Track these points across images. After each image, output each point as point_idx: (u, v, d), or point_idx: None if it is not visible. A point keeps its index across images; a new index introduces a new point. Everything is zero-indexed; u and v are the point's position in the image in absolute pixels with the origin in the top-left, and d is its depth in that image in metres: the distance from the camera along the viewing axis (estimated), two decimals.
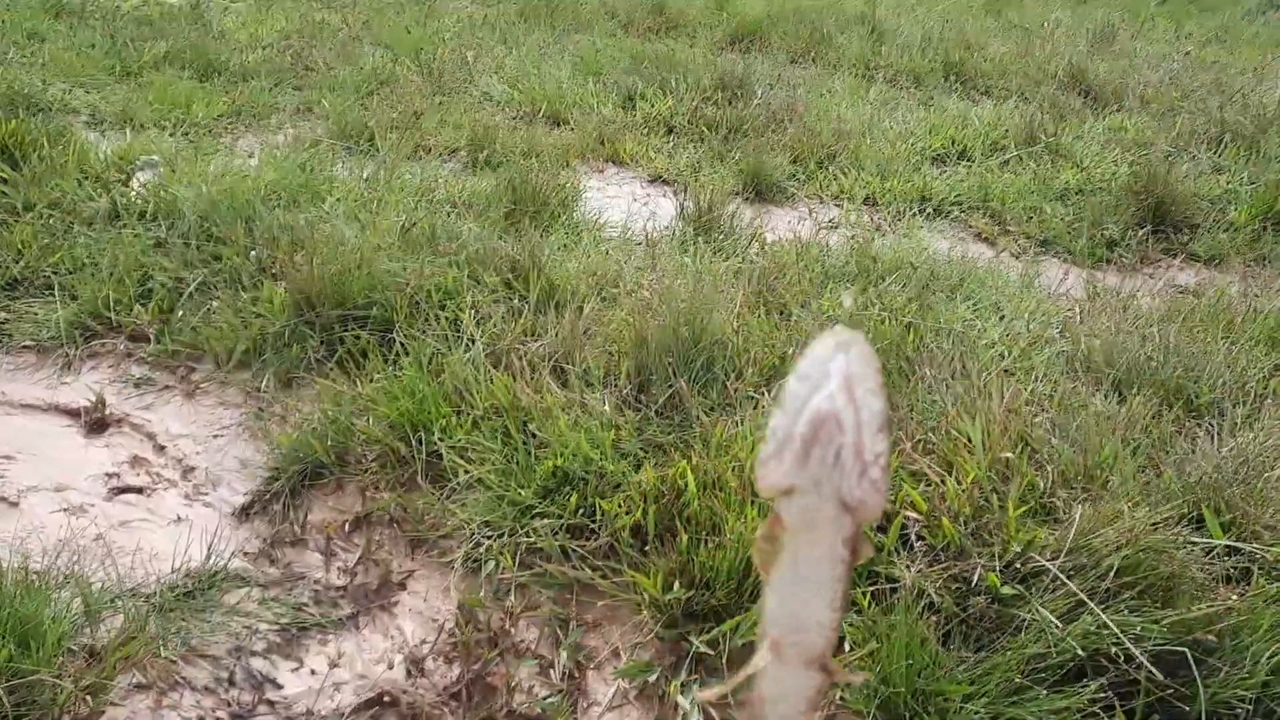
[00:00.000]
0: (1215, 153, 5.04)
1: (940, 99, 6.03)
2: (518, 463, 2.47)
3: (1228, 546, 2.13)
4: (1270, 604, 1.93)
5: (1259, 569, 2.08)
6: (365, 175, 3.99)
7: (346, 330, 2.96)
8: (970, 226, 4.44)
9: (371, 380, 2.75)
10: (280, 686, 2.06)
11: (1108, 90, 6.11)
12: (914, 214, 4.40)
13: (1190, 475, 2.37)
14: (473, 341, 2.85)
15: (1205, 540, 2.13)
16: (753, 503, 2.32)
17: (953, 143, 5.25)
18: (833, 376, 0.64)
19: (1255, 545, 2.12)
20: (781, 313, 3.19)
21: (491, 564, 2.32)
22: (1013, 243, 4.29)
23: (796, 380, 0.66)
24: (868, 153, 4.98)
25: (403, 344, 2.87)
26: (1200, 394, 2.81)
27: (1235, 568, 2.11)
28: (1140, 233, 4.22)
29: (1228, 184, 4.64)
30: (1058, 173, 4.84)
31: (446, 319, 2.95)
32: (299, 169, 3.84)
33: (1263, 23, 9.12)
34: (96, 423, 2.70)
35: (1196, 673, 1.81)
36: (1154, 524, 2.13)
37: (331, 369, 2.85)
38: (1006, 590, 2.06)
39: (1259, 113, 5.30)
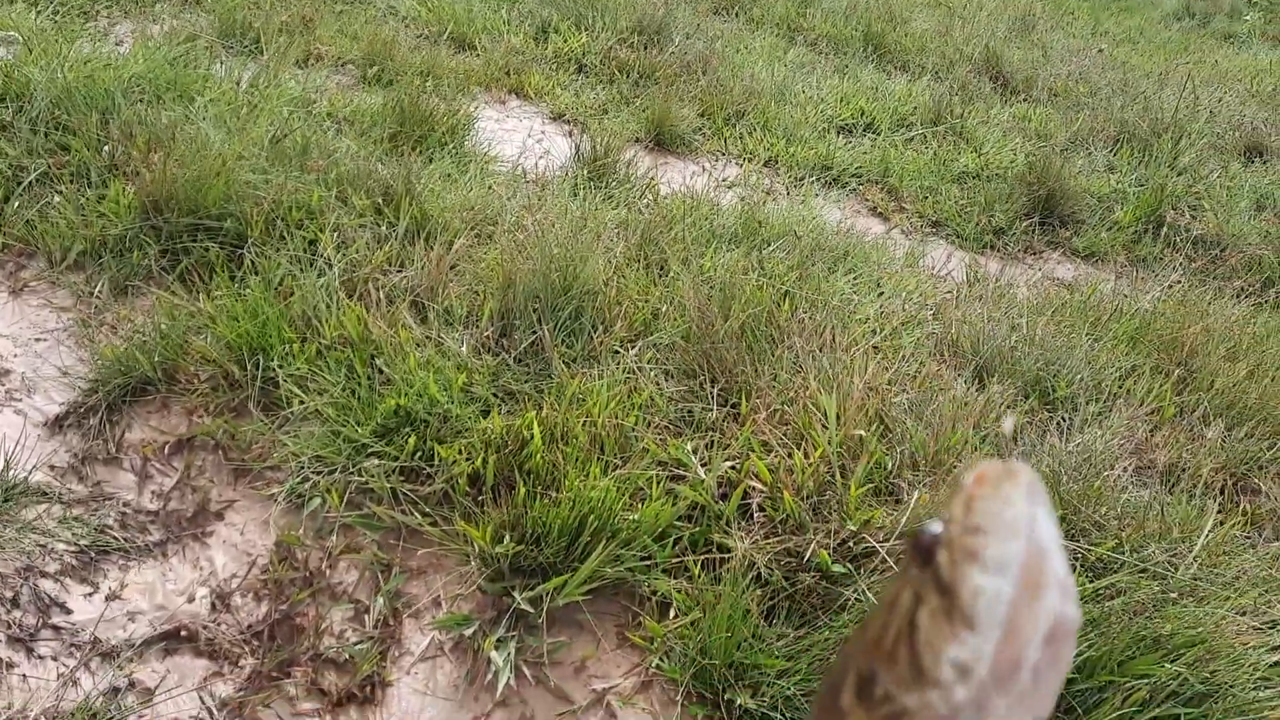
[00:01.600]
0: (1111, 151, 5.11)
1: (856, 68, 5.98)
2: (359, 398, 2.36)
3: None
4: (1085, 602, 1.95)
5: (1081, 567, 2.10)
6: (243, 78, 3.76)
7: (195, 241, 2.78)
8: (866, 199, 4.41)
9: (213, 297, 2.59)
10: (69, 611, 1.93)
11: (1019, 78, 6.14)
12: (813, 181, 4.36)
13: (1033, 467, 2.38)
14: (329, 266, 2.71)
15: None
16: (599, 459, 2.26)
17: (862, 114, 5.22)
18: (1053, 552, 0.44)
19: (1081, 544, 2.14)
20: (661, 269, 3.11)
21: (317, 501, 2.21)
22: (905, 220, 4.28)
23: (985, 572, 0.44)
24: (776, 114, 4.91)
25: (253, 262, 2.71)
26: (1057, 388, 2.84)
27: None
28: (1027, 223, 4.25)
29: (1117, 183, 4.71)
30: (958, 155, 4.85)
31: (304, 239, 2.80)
32: (169, 63, 3.59)
33: (1176, 29, 9.30)
34: None
35: None
36: None
37: (173, 281, 2.67)
38: (837, 568, 2.04)
39: (1157, 117, 5.39)
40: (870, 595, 1.94)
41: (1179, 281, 3.73)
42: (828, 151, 4.63)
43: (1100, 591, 2.03)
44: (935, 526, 0.46)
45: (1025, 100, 5.88)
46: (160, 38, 3.96)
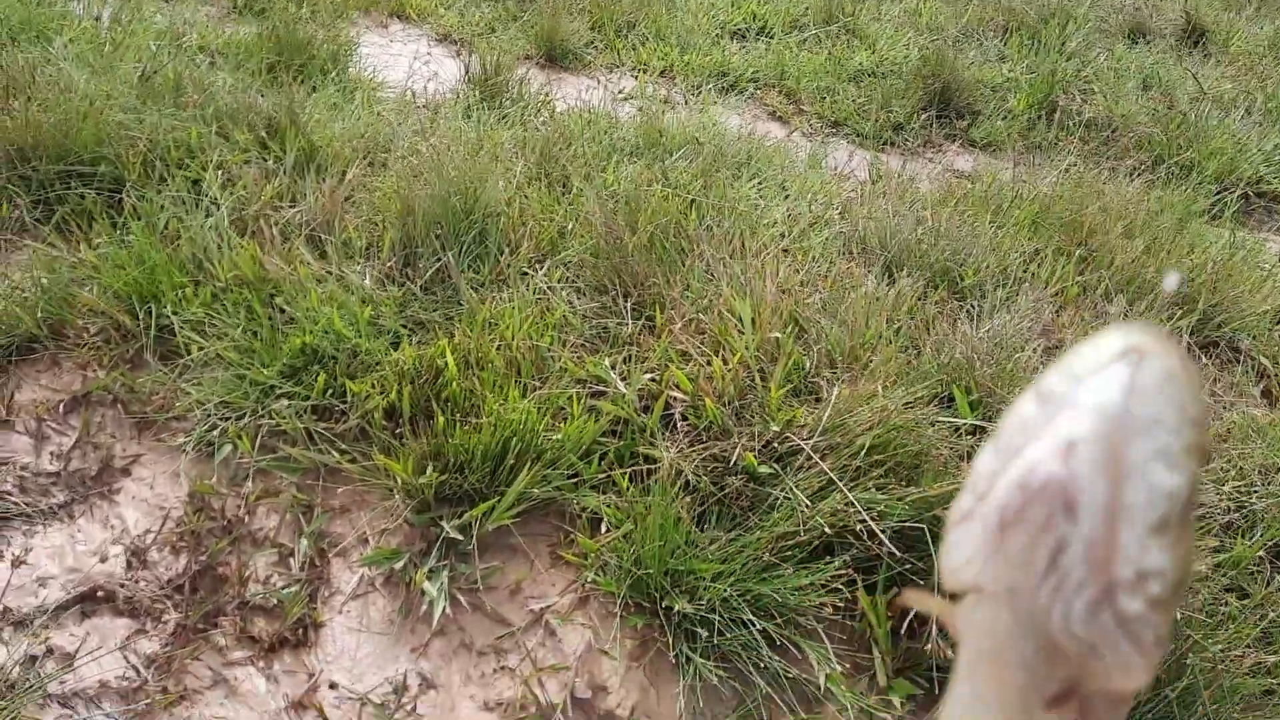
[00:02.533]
0: (1001, 41, 5.15)
1: None
2: (262, 339, 2.27)
3: (974, 425, 2.18)
4: None
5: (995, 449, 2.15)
6: (104, 15, 3.53)
7: (69, 188, 2.62)
8: (765, 104, 4.38)
9: (95, 246, 2.45)
10: None
11: None
12: (710, 89, 4.30)
13: (947, 355, 2.42)
14: (216, 205, 2.58)
15: (953, 419, 2.18)
16: (517, 382, 2.22)
17: (754, 18, 5.16)
18: (1085, 410, 0.39)
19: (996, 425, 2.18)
20: (564, 186, 3.05)
21: (228, 447, 2.13)
22: (805, 122, 4.27)
23: (1035, 399, 0.41)
24: (668, 23, 4.82)
25: (134, 206, 2.57)
26: (965, 276, 2.88)
27: (980, 445, 2.17)
28: (925, 117, 4.27)
29: (1009, 72, 4.75)
30: (853, 54, 4.83)
31: (186, 179, 2.66)
32: (20, 2, 3.35)
33: None
34: None
35: (932, 548, 1.85)
36: (907, 403, 2.15)
37: (49, 232, 2.52)
38: (763, 469, 2.05)
39: (1044, 3, 5.43)
40: (798, 492, 1.96)
41: (1074, 165, 3.80)
42: (723, 58, 4.57)
43: None
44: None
45: None
46: None
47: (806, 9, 5.27)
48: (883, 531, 1.88)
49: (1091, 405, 0.39)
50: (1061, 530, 0.38)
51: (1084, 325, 2.76)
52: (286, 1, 4.10)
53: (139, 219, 2.52)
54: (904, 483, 1.99)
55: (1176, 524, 0.37)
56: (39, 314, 2.27)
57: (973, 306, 2.75)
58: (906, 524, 1.91)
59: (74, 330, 2.29)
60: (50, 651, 1.74)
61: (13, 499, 1.99)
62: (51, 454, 2.12)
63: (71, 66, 3.03)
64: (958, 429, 2.17)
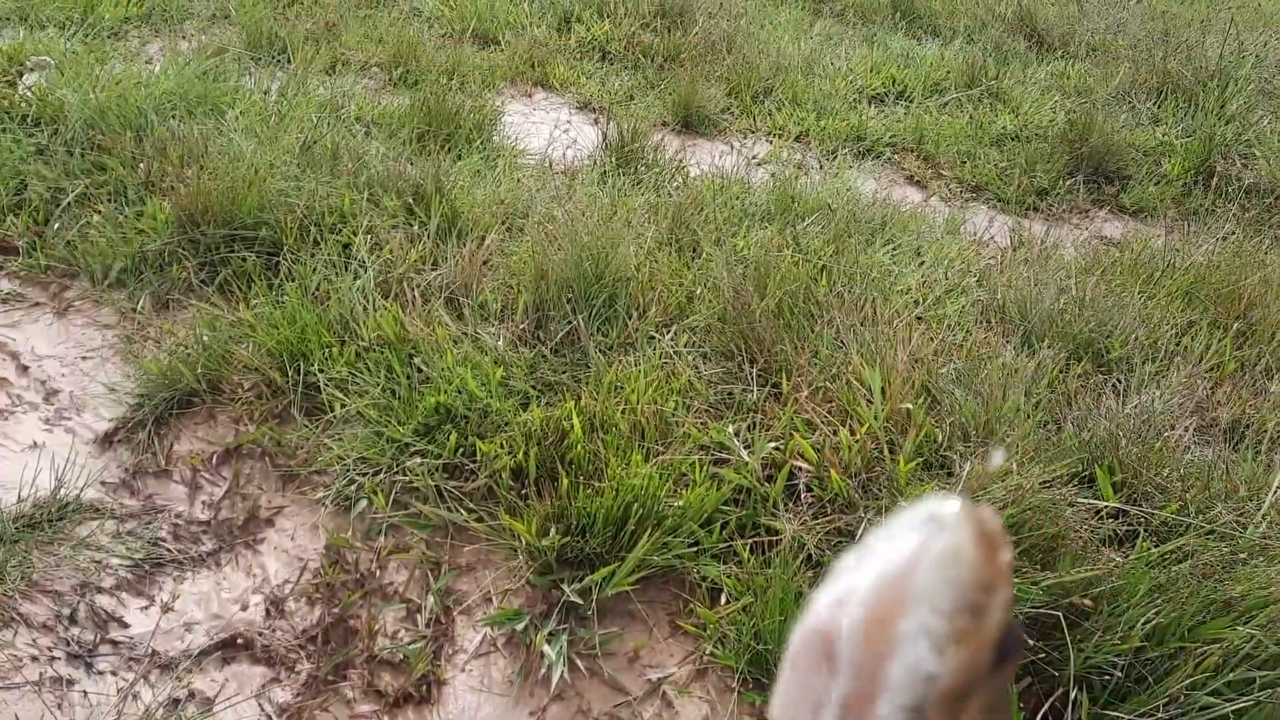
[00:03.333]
0: (1155, 104, 4.98)
1: (885, 37, 5.88)
2: (400, 398, 2.36)
3: (1116, 508, 2.08)
4: (1151, 568, 1.89)
5: (1145, 531, 2.04)
6: (272, 88, 3.78)
7: (232, 252, 2.80)
8: (903, 169, 4.34)
9: (252, 306, 2.61)
10: (126, 625, 1.95)
11: (1055, 35, 6.00)
12: (846, 153, 4.29)
13: (1089, 432, 2.32)
14: (364, 268, 2.71)
15: (1094, 501, 2.08)
16: (640, 447, 2.24)
17: (893, 82, 5.13)
18: (868, 569, 0.39)
19: (1144, 508, 2.08)
20: (694, 251, 3.08)
21: (364, 502, 2.22)
22: (944, 187, 4.20)
23: (858, 549, 0.42)
24: (805, 89, 4.84)
25: (289, 268, 2.73)
26: (1111, 349, 2.77)
27: (1122, 529, 2.07)
28: (1071, 182, 4.15)
29: (1163, 136, 4.58)
30: (995, 117, 4.75)
31: (338, 243, 2.81)
32: (199, 78, 3.62)
33: None
34: None
35: (1069, 637, 1.77)
36: (1045, 482, 2.07)
37: (212, 292, 2.69)
38: None
39: (1200, 65, 5.23)
40: None
41: (1233, 232, 3.62)
42: (860, 122, 4.56)
43: (1167, 556, 1.97)
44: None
45: (1062, 57, 5.74)
46: (189, 53, 4.00)
47: (948, 73, 5.22)
48: (1015, 615, 1.80)
49: (875, 566, 0.38)
50: (824, 682, 0.38)
51: (1241, 403, 2.61)
52: (439, 74, 4.30)
53: (293, 281, 2.67)
54: (1039, 566, 1.91)
55: (934, 711, 0.35)
56: (199, 370, 2.42)
57: (1119, 381, 2.64)
58: (1041, 610, 1.83)
59: (229, 385, 2.43)
60: (192, 695, 1.83)
61: (167, 545, 2.11)
62: (204, 503, 2.25)
63: (240, 137, 3.25)
64: (1099, 512, 2.08)
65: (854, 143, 4.41)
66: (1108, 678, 1.78)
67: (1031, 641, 1.79)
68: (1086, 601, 1.81)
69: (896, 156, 4.40)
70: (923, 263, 3.24)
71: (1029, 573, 1.90)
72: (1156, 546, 2.00)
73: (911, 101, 4.94)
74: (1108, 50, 5.85)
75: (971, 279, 3.14)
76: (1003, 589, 0.38)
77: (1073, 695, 1.72)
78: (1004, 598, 0.38)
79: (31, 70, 3.65)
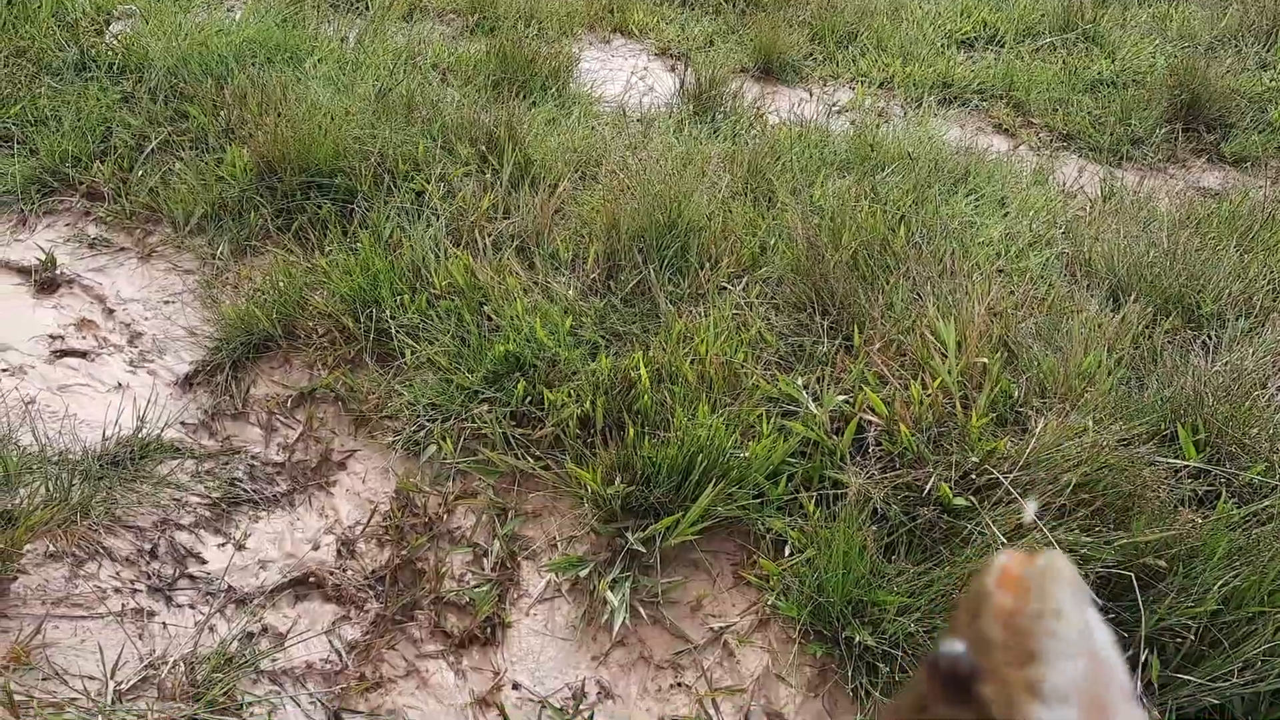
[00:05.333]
0: (1264, 47, 4.71)
1: None
2: (469, 345, 2.37)
3: (1198, 467, 2.00)
4: (1231, 530, 1.82)
5: (1227, 492, 1.96)
6: (350, 35, 3.80)
7: (308, 199, 2.84)
8: (990, 116, 4.20)
9: (327, 253, 2.64)
10: (204, 561, 2.01)
11: None
12: (931, 101, 4.16)
13: (1173, 389, 2.23)
14: (436, 216, 2.73)
15: (1174, 460, 2.01)
16: (708, 398, 2.22)
17: (984, 26, 4.95)
18: (1117, 679, 0.37)
19: (1227, 468, 2.00)
20: (769, 201, 3.03)
21: (433, 448, 2.24)
22: (1033, 135, 4.06)
23: (1049, 706, 0.37)
24: (891, 34, 4.70)
25: (363, 216, 2.75)
26: (1202, 304, 2.65)
27: (1203, 489, 1.99)
28: (1169, 130, 3.97)
29: (1271, 81, 4.34)
30: (1090, 63, 4.55)
31: (411, 191, 2.82)
32: (279, 26, 3.66)
33: None
34: (46, 282, 2.62)
35: (1140, 598, 1.71)
36: (1123, 440, 2.00)
37: (289, 239, 2.74)
38: (958, 501, 1.96)
39: None
40: (994, 528, 1.86)
41: None
42: (947, 68, 4.42)
43: (1249, 518, 1.89)
44: (956, 647, 0.38)
45: None
46: (271, 1, 4.03)
47: (1042, 15, 5.01)
48: (1085, 577, 1.75)
49: (1109, 650, 0.38)
50: None
51: None
52: (516, 19, 4.28)
53: (366, 228, 2.70)
54: (1112, 526, 1.85)
55: None
56: (275, 315, 2.47)
57: (1209, 337, 2.53)
58: (1113, 570, 1.78)
59: (304, 331, 2.48)
60: (265, 630, 1.89)
61: (243, 485, 2.17)
62: (279, 445, 2.30)
63: (318, 85, 3.28)
64: (1178, 471, 2.00)
65: (940, 90, 4.28)
66: (1180, 640, 1.73)
67: (1101, 602, 1.74)
68: (1161, 562, 1.75)
69: (985, 104, 4.26)
70: (1006, 214, 3.13)
71: (1101, 531, 1.84)
72: (1239, 508, 1.92)
73: (1003, 46, 4.76)
74: None
75: (1057, 231, 3.03)
76: None
77: (1143, 657, 1.67)
78: None
79: (118, 19, 3.73)
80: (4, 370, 2.32)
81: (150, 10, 3.71)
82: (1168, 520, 1.82)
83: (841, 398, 2.20)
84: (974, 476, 2.00)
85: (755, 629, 1.93)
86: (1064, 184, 3.53)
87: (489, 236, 2.70)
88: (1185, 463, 2.00)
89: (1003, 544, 1.83)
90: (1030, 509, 1.74)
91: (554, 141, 3.18)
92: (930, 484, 1.99)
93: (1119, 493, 1.88)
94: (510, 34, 3.89)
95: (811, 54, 4.57)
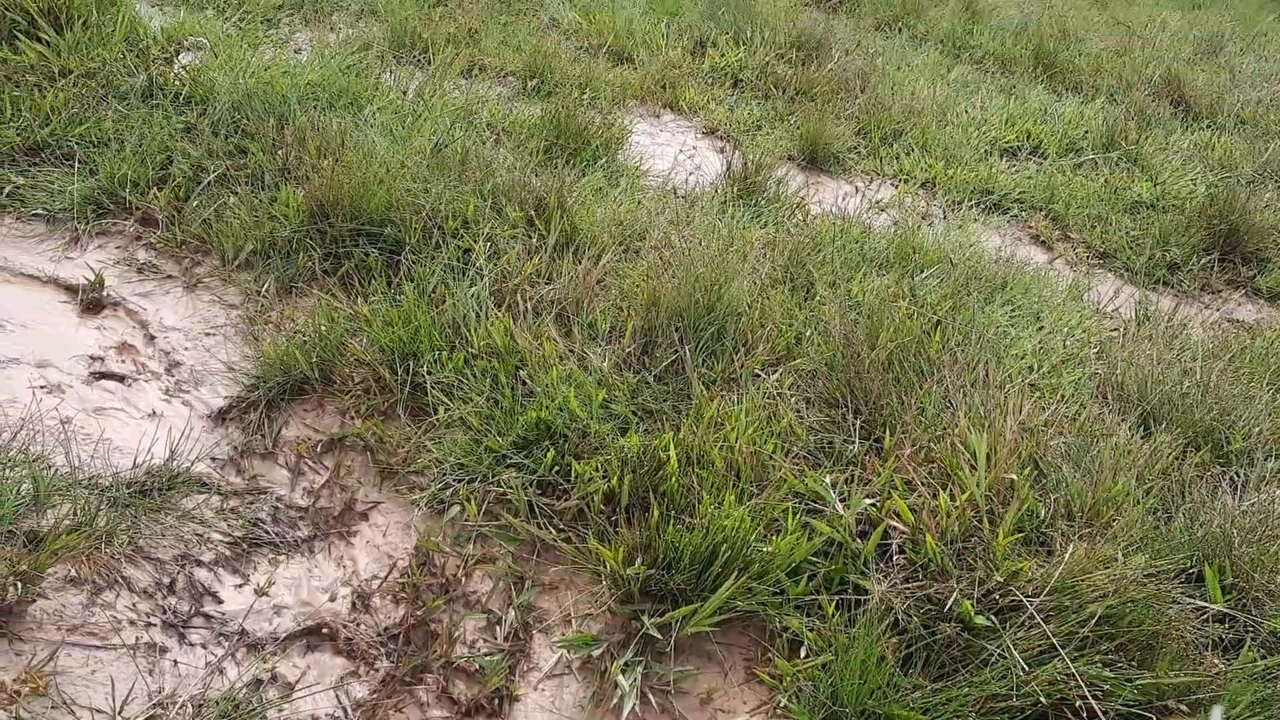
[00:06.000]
0: None
1: (1024, 89, 5.76)
2: (502, 408, 2.39)
3: (1223, 612, 1.99)
4: (1255, 680, 1.80)
5: (1251, 639, 1.95)
6: (410, 87, 3.88)
7: (356, 245, 2.88)
8: (1029, 227, 4.24)
9: (370, 301, 2.67)
10: (220, 601, 2.01)
11: (1203, 103, 5.80)
12: (972, 205, 4.21)
13: (1201, 527, 2.22)
14: (480, 276, 2.76)
15: (1200, 601, 1.99)
16: (735, 486, 2.22)
17: (1028, 136, 5.02)
18: None
19: (1253, 615, 1.98)
20: (807, 292, 3.05)
21: (457, 508, 2.25)
22: (1070, 250, 4.09)
23: None
24: (936, 135, 4.77)
25: (410, 268, 2.79)
26: (1232, 440, 2.65)
27: (1228, 634, 1.98)
28: (1206, 259, 4.00)
29: None
30: (1131, 183, 4.60)
31: (459, 248, 2.86)
32: (342, 71, 3.74)
33: None
34: (92, 303, 2.65)
35: None
36: (1149, 575, 1.99)
37: (334, 283, 2.77)
38: (980, 620, 1.94)
39: None
40: (1015, 653, 1.84)
41: None
42: (989, 175, 4.47)
43: (1274, 669, 1.87)
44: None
45: (1209, 127, 5.54)
46: (336, 46, 4.13)
47: (1086, 132, 5.09)
48: (1105, 713, 1.74)
49: None
50: None
51: None
52: (571, 86, 4.36)
53: (412, 281, 2.73)
54: (1135, 663, 1.84)
55: None
56: (314, 358, 2.49)
57: (1237, 475, 2.52)
58: (1134, 709, 1.76)
59: (341, 377, 2.50)
60: (274, 678, 1.88)
61: (266, 527, 2.18)
62: (304, 490, 2.31)
63: (376, 134, 3.34)
64: (1204, 613, 1.99)
65: (981, 195, 4.33)
66: None
67: None
68: (1183, 707, 1.73)
69: (1024, 214, 4.30)
70: (1041, 328, 3.15)
71: (1124, 667, 1.83)
72: (1264, 658, 1.90)
73: (1045, 158, 4.83)
74: (1258, 124, 5.63)
75: (1091, 350, 3.04)
76: None
77: None
78: None
79: (187, 50, 3.82)
80: (43, 387, 2.34)
81: (219, 44, 3.80)
82: (1192, 663, 1.80)
83: (868, 501, 2.20)
84: (997, 596, 1.99)
85: None
86: (1099, 302, 3.55)
87: (530, 300, 2.72)
88: (1212, 606, 1.98)
89: (1024, 670, 1.81)
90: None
91: (601, 212, 3.22)
92: (952, 599, 1.98)
93: (1144, 629, 1.87)
94: (565, 100, 3.97)
95: (856, 147, 4.64)
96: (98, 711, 1.70)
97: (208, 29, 3.96)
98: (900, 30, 6.55)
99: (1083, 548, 2.04)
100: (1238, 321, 3.66)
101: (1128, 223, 4.26)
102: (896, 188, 4.31)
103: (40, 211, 2.89)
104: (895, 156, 4.58)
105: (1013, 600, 1.97)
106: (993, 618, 1.94)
